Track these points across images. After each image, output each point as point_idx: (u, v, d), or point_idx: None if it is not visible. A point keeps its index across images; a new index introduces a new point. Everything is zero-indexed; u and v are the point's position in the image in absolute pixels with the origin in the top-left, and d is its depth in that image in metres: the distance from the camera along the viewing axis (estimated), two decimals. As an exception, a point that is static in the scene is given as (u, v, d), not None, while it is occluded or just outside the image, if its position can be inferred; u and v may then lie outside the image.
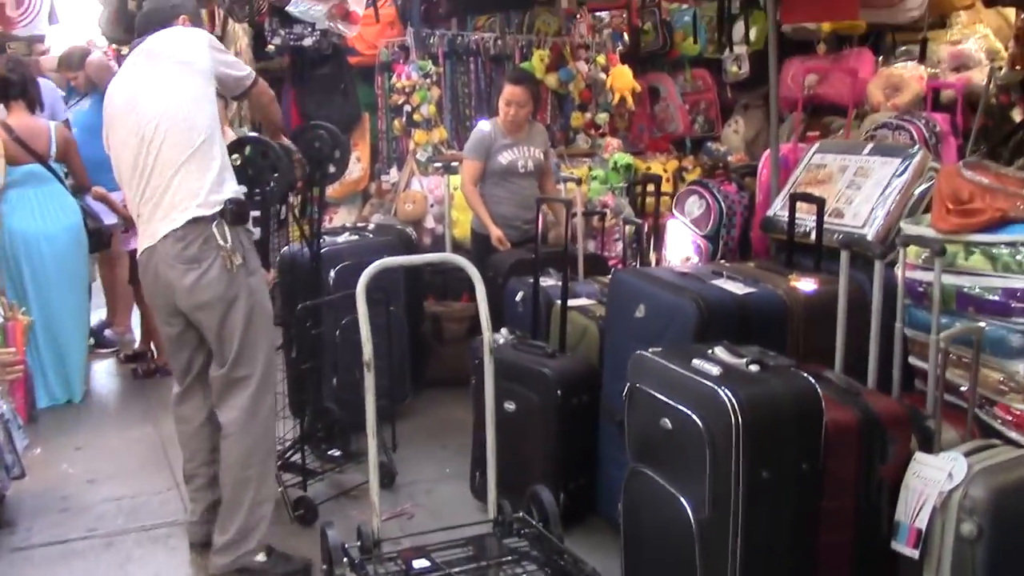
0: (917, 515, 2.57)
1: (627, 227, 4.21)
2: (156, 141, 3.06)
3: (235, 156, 3.33)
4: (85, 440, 4.58)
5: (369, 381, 2.79)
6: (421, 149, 5.95)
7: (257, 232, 3.61)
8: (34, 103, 4.98)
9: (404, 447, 4.22)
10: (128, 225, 5.19)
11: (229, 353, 3.15)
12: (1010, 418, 2.90)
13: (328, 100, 6.02)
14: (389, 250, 4.58)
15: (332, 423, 4.07)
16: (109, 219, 5.25)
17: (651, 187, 4.67)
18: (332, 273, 4.31)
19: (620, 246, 5.85)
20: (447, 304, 5.37)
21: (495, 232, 4.76)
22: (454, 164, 5.81)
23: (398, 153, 6.16)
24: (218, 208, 3.05)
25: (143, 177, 3.10)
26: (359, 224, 5.42)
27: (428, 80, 5.92)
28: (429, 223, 5.77)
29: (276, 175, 3.42)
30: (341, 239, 4.69)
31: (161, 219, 3.08)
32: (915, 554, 2.56)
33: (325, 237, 4.61)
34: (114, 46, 8.84)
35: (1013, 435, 2.87)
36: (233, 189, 3.14)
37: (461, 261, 3.03)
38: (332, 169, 3.75)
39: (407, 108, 5.93)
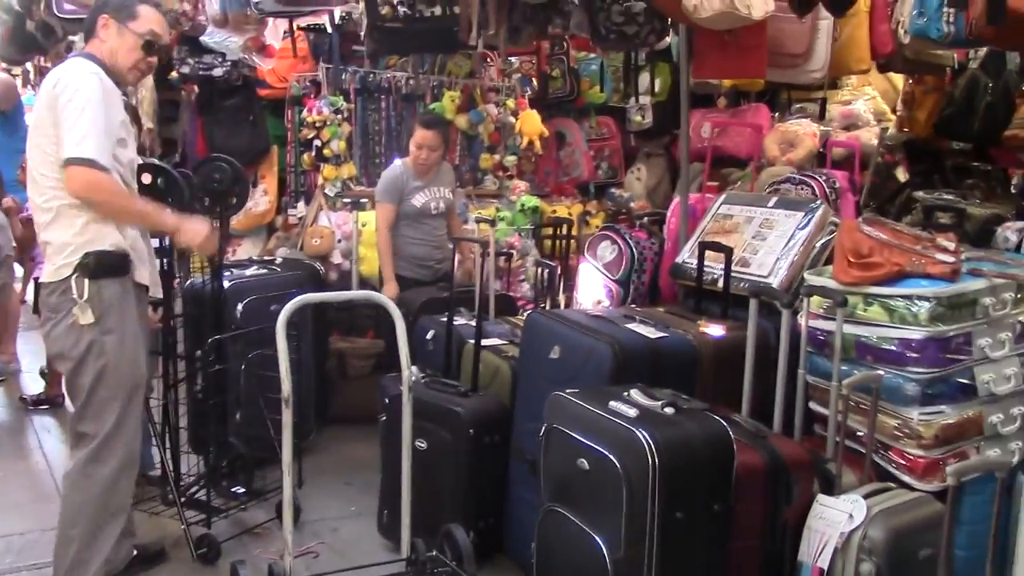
0: (819, 555, 2.68)
1: (537, 269, 4.28)
2: (35, 192, 3.04)
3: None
4: (-31, 473, 4.39)
5: (287, 417, 2.78)
6: (330, 184, 5.92)
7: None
8: None
9: (308, 484, 4.16)
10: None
11: (76, 406, 3.10)
12: (904, 462, 3.04)
13: (236, 131, 5.98)
14: (298, 285, 4.55)
15: (235, 459, 3.99)
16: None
17: (563, 229, 4.76)
18: (240, 307, 4.25)
19: (525, 287, 5.94)
20: (352, 340, 5.35)
21: (391, 288, 4.71)
22: (363, 200, 5.81)
23: (306, 187, 6.12)
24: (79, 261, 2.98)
25: (37, 221, 3.09)
26: (265, 257, 5.36)
27: (339, 116, 5.91)
28: (336, 259, 5.73)
29: (171, 202, 3.37)
30: (248, 272, 4.62)
31: (46, 264, 3.08)
32: (818, 593, 2.67)
33: (232, 270, 4.56)
34: (4, 65, 8.56)
35: (907, 479, 3.01)
36: (112, 241, 3.02)
37: (384, 300, 3.05)
38: (233, 202, 3.72)
39: (317, 143, 5.89)
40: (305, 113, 5.93)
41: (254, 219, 6.11)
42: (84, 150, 2.87)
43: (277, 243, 6.00)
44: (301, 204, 6.05)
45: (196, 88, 6.37)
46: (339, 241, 5.76)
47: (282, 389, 2.76)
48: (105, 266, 2.98)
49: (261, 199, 6.18)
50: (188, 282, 4.55)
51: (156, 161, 3.50)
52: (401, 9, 3.91)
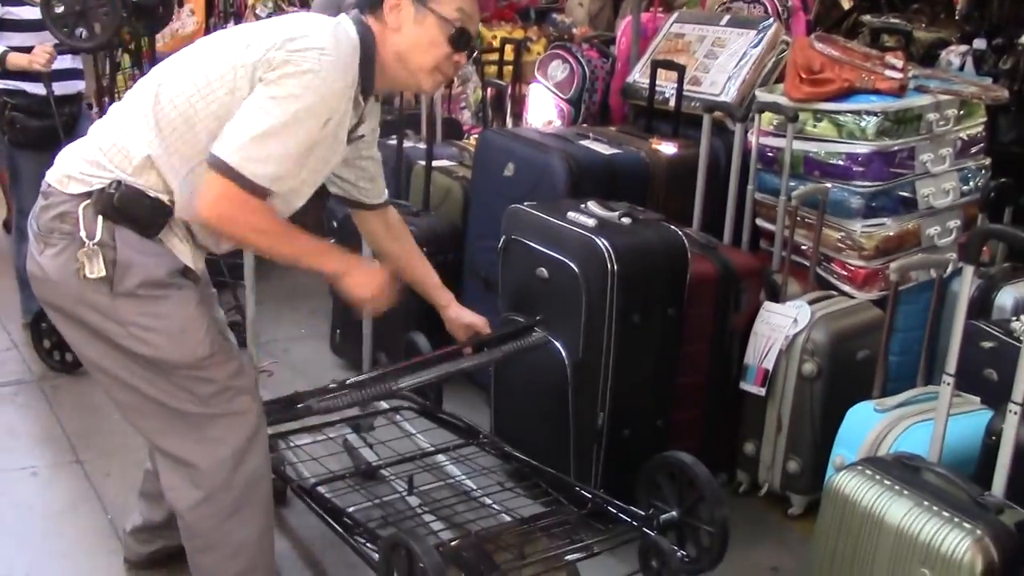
0: (765, 357, 2.82)
1: (487, 89, 4.23)
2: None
3: None
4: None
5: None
6: (261, 4, 5.71)
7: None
8: None
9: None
10: None
11: None
12: (846, 273, 3.16)
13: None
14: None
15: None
16: None
17: (509, 54, 4.66)
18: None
19: (466, 115, 5.86)
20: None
21: None
22: (298, 21, 5.61)
23: (235, 7, 5.89)
24: None
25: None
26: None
27: (269, -69, 5.65)
28: (270, 82, 5.59)
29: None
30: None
31: None
32: (762, 391, 2.82)
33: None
34: None
35: (847, 288, 3.14)
36: None
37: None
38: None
39: (247, -41, 5.66)
40: (233, -72, 5.65)
41: (181, 41, 5.85)
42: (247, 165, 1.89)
43: (208, 66, 5.80)
44: (231, 25, 5.82)
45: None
46: (273, 64, 5.60)
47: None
48: None
49: (188, 20, 5.93)
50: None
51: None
52: None
